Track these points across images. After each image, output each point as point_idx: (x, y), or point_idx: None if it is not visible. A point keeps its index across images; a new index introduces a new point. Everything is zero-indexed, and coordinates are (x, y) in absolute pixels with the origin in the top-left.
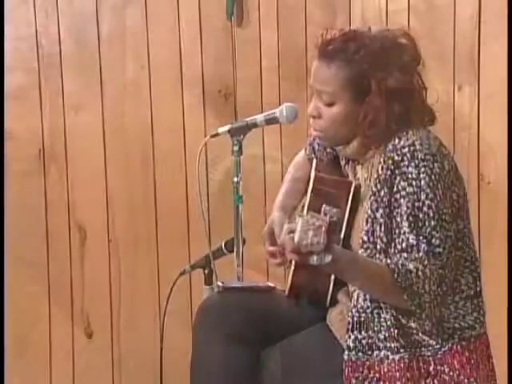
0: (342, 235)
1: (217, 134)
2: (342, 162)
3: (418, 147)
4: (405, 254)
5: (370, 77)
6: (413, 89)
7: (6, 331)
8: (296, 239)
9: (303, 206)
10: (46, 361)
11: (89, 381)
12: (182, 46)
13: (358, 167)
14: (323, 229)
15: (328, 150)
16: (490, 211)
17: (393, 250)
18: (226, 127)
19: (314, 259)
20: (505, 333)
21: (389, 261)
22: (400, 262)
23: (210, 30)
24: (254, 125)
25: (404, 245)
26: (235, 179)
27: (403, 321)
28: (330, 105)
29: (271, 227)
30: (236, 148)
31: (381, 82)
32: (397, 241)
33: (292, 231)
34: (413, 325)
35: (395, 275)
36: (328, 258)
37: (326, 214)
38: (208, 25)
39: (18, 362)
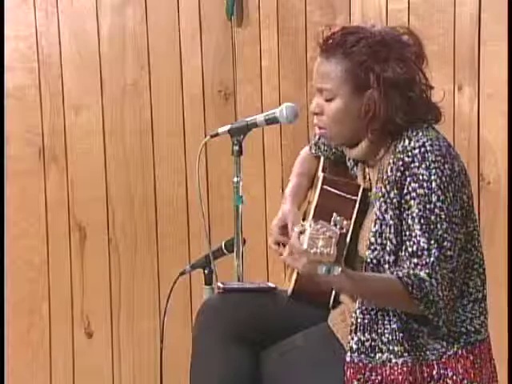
0: (349, 239)
1: (217, 134)
2: (349, 164)
3: (428, 148)
4: (415, 260)
5: (368, 69)
6: (412, 81)
7: (6, 331)
8: (304, 246)
9: (309, 206)
10: (46, 361)
11: (89, 381)
12: (182, 46)
13: (369, 169)
14: (334, 240)
15: (333, 149)
16: (490, 211)
17: (403, 253)
18: (226, 127)
19: (323, 269)
20: (505, 333)
21: (400, 273)
22: (411, 272)
23: (210, 30)
24: (254, 125)
25: (415, 248)
26: (235, 179)
27: (410, 324)
28: (331, 100)
29: (283, 219)
30: (236, 148)
31: (379, 74)
32: (408, 243)
33: (302, 234)
34: (420, 328)
35: (409, 287)
36: (337, 270)
37: (335, 225)
38: (208, 25)
39: (18, 362)
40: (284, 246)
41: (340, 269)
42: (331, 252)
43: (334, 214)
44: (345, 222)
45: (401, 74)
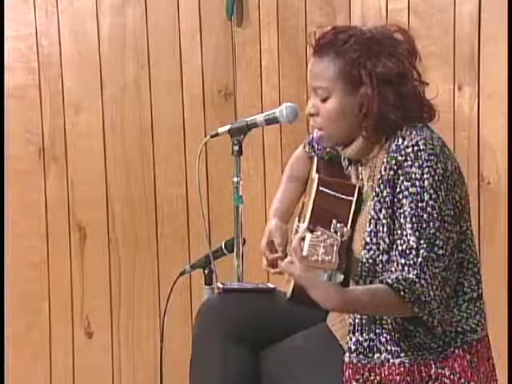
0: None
1: (217, 134)
2: (344, 164)
3: (421, 147)
4: (402, 260)
5: (360, 66)
6: (404, 76)
7: (6, 331)
8: (304, 253)
9: (304, 208)
10: (46, 361)
11: (89, 381)
12: (182, 46)
13: (361, 168)
14: (335, 248)
15: (328, 148)
16: (490, 211)
17: (393, 252)
18: (226, 127)
19: (325, 276)
20: (505, 333)
21: (389, 280)
22: (400, 277)
23: (210, 30)
24: (254, 125)
25: (404, 246)
26: (235, 179)
27: (406, 324)
28: (326, 100)
29: (269, 238)
30: (236, 148)
31: (371, 70)
32: (398, 242)
33: (303, 240)
34: (415, 328)
35: (401, 292)
36: (340, 278)
37: (336, 232)
38: (208, 25)
39: (18, 362)
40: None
41: (342, 276)
42: (333, 260)
43: (334, 221)
44: (345, 230)
45: (392, 68)
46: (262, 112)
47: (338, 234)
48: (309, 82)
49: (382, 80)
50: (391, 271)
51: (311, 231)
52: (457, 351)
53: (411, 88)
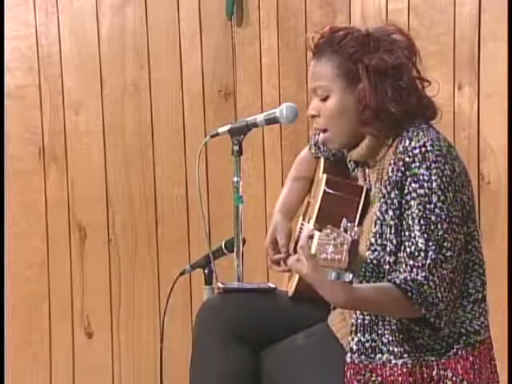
0: None
1: (217, 134)
2: (350, 165)
3: (429, 148)
4: (411, 262)
5: (357, 61)
6: (400, 69)
7: (6, 331)
8: (312, 251)
9: (309, 208)
10: (46, 361)
11: (89, 381)
12: (182, 46)
13: (369, 170)
14: (345, 247)
15: (333, 150)
16: (490, 211)
17: (401, 253)
18: (226, 127)
19: (333, 275)
20: (505, 334)
21: (397, 280)
22: (409, 277)
23: (210, 30)
24: (254, 125)
25: (413, 248)
26: (235, 179)
27: (411, 325)
28: (326, 99)
29: (274, 236)
30: (236, 148)
31: (368, 64)
32: (406, 244)
33: (311, 238)
34: (421, 329)
35: (409, 293)
36: (349, 277)
37: (346, 231)
38: (208, 25)
39: (18, 362)
40: (285, 262)
41: (351, 275)
42: (343, 259)
43: (344, 220)
44: (356, 229)
45: (388, 61)
46: (262, 112)
47: (348, 233)
48: (309, 85)
49: (379, 73)
50: (399, 272)
51: (319, 230)
52: (459, 352)
53: (409, 82)
